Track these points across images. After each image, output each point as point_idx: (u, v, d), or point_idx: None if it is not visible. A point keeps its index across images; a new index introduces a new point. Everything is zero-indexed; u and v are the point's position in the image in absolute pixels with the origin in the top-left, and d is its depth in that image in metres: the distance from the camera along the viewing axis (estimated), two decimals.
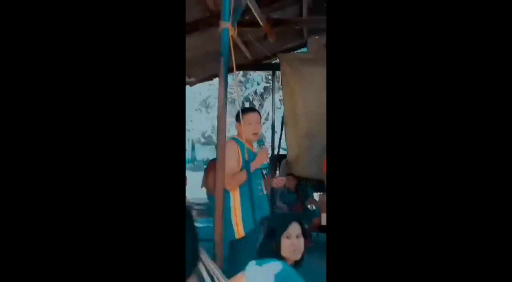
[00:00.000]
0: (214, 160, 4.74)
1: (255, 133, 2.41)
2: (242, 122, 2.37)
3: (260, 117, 2.53)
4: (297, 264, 1.70)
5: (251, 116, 2.42)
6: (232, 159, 2.26)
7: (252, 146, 2.44)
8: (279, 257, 1.63)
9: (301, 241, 1.67)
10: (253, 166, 2.32)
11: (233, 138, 2.39)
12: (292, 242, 1.64)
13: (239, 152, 2.33)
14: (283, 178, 2.85)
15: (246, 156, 2.30)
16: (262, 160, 2.37)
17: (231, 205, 2.30)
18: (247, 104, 15.23)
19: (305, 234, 1.75)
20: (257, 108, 14.89)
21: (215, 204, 2.04)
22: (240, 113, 2.40)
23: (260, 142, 2.50)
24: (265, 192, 2.47)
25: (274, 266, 1.56)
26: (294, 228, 1.67)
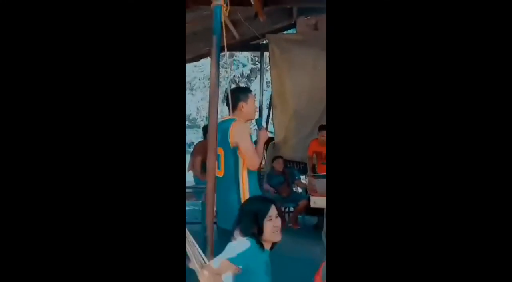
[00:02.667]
0: (200, 143, 4.74)
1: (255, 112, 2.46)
2: (249, 101, 2.38)
3: None
4: (273, 246, 1.76)
5: (253, 97, 2.46)
6: (249, 138, 2.29)
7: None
8: (259, 241, 1.67)
9: (279, 221, 1.73)
10: (259, 145, 2.34)
11: (232, 119, 2.35)
12: (274, 223, 1.70)
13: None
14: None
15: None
16: (265, 137, 2.41)
17: (240, 186, 2.27)
18: (233, 86, 15.13)
19: (281, 215, 1.78)
20: None
21: (206, 187, 2.02)
22: (246, 93, 2.42)
23: (259, 120, 2.54)
24: None
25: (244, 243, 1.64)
26: (273, 209, 1.73)
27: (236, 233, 1.70)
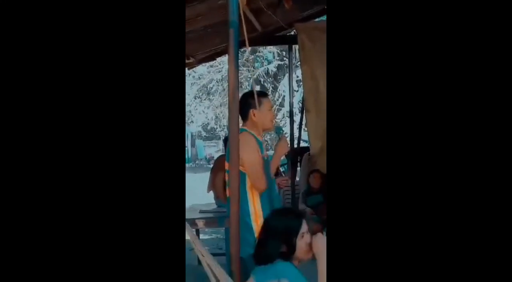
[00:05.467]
0: (222, 157, 4.75)
1: (272, 121, 2.42)
2: (261, 108, 2.33)
3: None
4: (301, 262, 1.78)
5: (268, 101, 2.43)
6: (256, 154, 2.25)
7: (261, 137, 2.44)
8: (291, 260, 1.71)
9: (310, 236, 1.78)
10: (276, 158, 2.31)
11: (242, 130, 2.35)
12: (306, 240, 1.73)
13: (258, 145, 2.31)
14: (287, 178, 2.84)
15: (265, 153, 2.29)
16: (284, 149, 2.36)
17: (249, 208, 2.28)
18: (257, 88, 15.18)
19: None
20: (269, 92, 14.88)
21: (230, 209, 2.01)
22: (258, 98, 2.36)
23: (279, 129, 2.48)
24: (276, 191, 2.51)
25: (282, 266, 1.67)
26: (305, 224, 1.77)
27: (262, 256, 1.68)
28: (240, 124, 2.35)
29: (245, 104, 2.31)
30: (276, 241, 1.70)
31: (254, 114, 2.34)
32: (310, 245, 1.72)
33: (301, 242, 1.71)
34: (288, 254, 1.69)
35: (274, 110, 2.27)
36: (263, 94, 2.54)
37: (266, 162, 2.29)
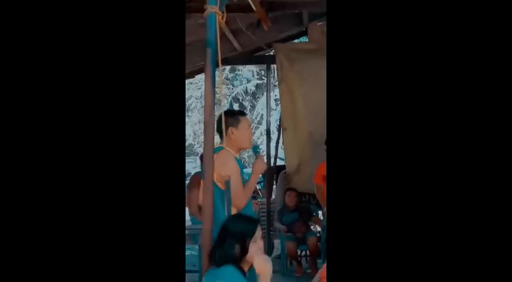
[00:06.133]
0: (197, 174, 4.73)
1: (251, 139, 2.42)
2: (240, 126, 2.35)
3: None
4: (250, 268, 1.88)
5: (247, 119, 2.43)
6: (237, 171, 2.25)
7: (239, 156, 2.44)
8: (239, 263, 1.82)
9: (262, 242, 1.89)
10: (254, 177, 2.32)
11: (219, 148, 2.35)
12: (258, 244, 1.86)
13: (237, 163, 2.31)
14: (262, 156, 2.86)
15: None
16: (261, 169, 2.36)
17: None
18: (236, 106, 15.24)
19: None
20: (248, 110, 14.91)
21: (203, 227, 2.02)
22: (236, 116, 2.39)
23: (256, 148, 2.48)
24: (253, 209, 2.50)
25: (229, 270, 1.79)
26: (259, 231, 1.88)
27: (217, 255, 1.81)
28: (218, 143, 2.37)
29: (224, 123, 2.32)
30: (232, 242, 1.82)
31: (232, 133, 2.35)
32: (261, 250, 1.86)
33: (254, 246, 1.83)
34: (240, 257, 1.82)
35: (252, 129, 2.27)
36: (241, 113, 2.55)
37: (244, 180, 2.30)
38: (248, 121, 2.43)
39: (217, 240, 1.89)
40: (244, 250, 1.82)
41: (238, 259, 1.82)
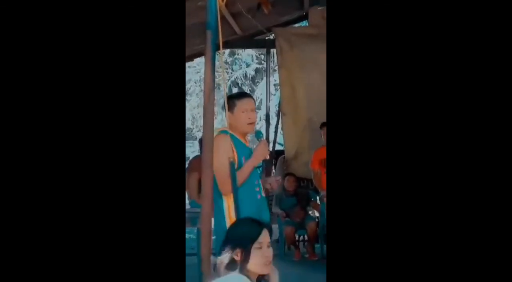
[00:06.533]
0: (196, 158, 4.74)
1: (251, 123, 2.35)
2: (235, 110, 2.33)
3: (255, 103, 2.49)
4: (260, 279, 1.70)
5: (245, 102, 2.36)
6: (225, 156, 2.22)
7: (245, 140, 2.41)
8: (243, 272, 1.64)
9: (271, 252, 1.69)
10: (251, 163, 2.29)
11: (223, 132, 2.35)
12: (264, 253, 1.65)
13: (234, 147, 2.29)
14: (279, 177, 2.80)
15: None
16: (262, 154, 2.33)
17: (225, 212, 2.27)
18: (235, 91, 15.20)
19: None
20: None
21: (201, 212, 2.02)
22: (232, 100, 2.35)
23: (259, 133, 2.44)
24: (263, 195, 2.43)
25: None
26: (265, 236, 1.68)
27: (218, 262, 1.65)
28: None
29: (225, 106, 2.31)
30: (231, 247, 1.65)
31: (229, 117, 2.34)
32: (267, 261, 1.65)
33: (257, 252, 1.63)
34: (241, 262, 1.63)
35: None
36: (241, 95, 2.50)
37: (232, 165, 2.25)
38: (245, 105, 2.35)
39: (220, 246, 1.72)
40: (246, 256, 1.62)
41: (241, 267, 1.63)
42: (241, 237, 1.67)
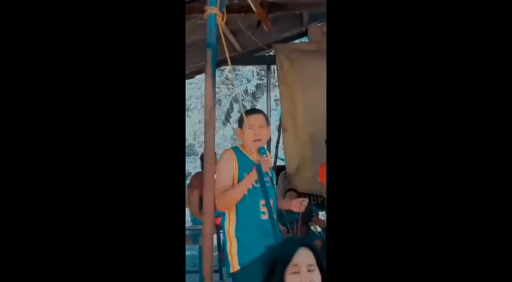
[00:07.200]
0: (198, 174, 4.73)
1: (257, 140, 2.30)
2: (244, 126, 2.30)
3: (267, 120, 2.43)
4: None
5: (252, 118, 2.32)
6: (224, 173, 2.22)
7: (255, 156, 2.35)
8: None
9: (315, 276, 1.37)
10: (245, 181, 2.24)
11: (234, 148, 2.36)
12: (302, 278, 1.35)
13: (237, 163, 2.27)
14: (306, 199, 2.66)
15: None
16: (257, 174, 2.29)
17: (225, 230, 2.25)
18: (235, 107, 15.24)
19: (321, 265, 1.41)
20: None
21: (202, 229, 2.01)
22: (242, 116, 2.33)
23: (261, 150, 2.40)
24: (274, 216, 2.34)
25: None
26: (304, 257, 1.37)
27: None
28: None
29: (238, 123, 2.35)
30: (266, 270, 1.39)
31: (238, 133, 2.35)
32: None
33: (291, 278, 1.33)
34: None
35: None
36: (251, 111, 2.46)
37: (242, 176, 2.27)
38: (253, 120, 2.31)
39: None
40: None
41: None
42: (274, 262, 1.39)
